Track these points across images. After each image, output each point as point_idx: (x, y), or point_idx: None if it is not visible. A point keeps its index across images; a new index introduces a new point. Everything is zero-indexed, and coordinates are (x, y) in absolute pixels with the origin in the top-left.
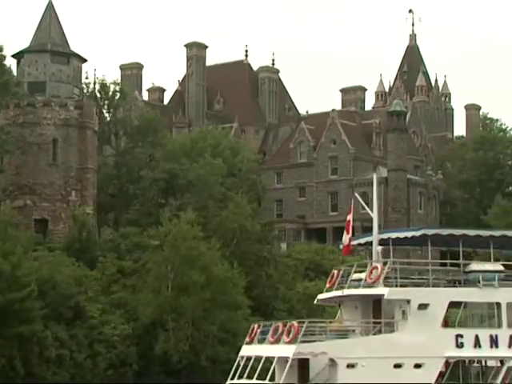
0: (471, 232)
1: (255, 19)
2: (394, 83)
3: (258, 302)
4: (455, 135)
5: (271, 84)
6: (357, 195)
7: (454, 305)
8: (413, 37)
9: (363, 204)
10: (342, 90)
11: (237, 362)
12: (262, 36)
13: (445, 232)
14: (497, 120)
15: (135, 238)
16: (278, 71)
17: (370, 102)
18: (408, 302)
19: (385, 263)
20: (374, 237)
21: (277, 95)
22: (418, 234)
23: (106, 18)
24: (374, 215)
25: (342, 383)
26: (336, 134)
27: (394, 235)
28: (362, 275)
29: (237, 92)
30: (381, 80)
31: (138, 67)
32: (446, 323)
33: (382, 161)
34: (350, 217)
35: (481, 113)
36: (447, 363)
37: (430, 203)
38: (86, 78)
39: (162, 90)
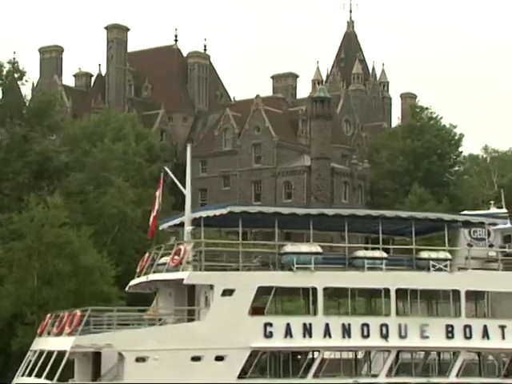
0: (285, 210)
1: (186, 3)
2: (331, 71)
3: (139, 293)
4: (393, 125)
5: (201, 70)
6: (166, 168)
7: (264, 290)
8: (350, 23)
9: (174, 178)
10: (273, 77)
11: (27, 356)
12: (193, 21)
13: (254, 210)
14: (426, 108)
15: (12, 226)
16: (208, 57)
17: (306, 90)
18: (211, 287)
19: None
20: (186, 216)
21: (207, 81)
22: (225, 211)
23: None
24: (187, 192)
25: (130, 380)
26: (260, 121)
27: (204, 214)
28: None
29: (165, 78)
30: (317, 67)
31: (58, 50)
32: (256, 311)
33: (308, 149)
34: (158, 193)
35: (412, 102)
36: (254, 355)
37: (355, 193)
38: None
39: (90, 76)
